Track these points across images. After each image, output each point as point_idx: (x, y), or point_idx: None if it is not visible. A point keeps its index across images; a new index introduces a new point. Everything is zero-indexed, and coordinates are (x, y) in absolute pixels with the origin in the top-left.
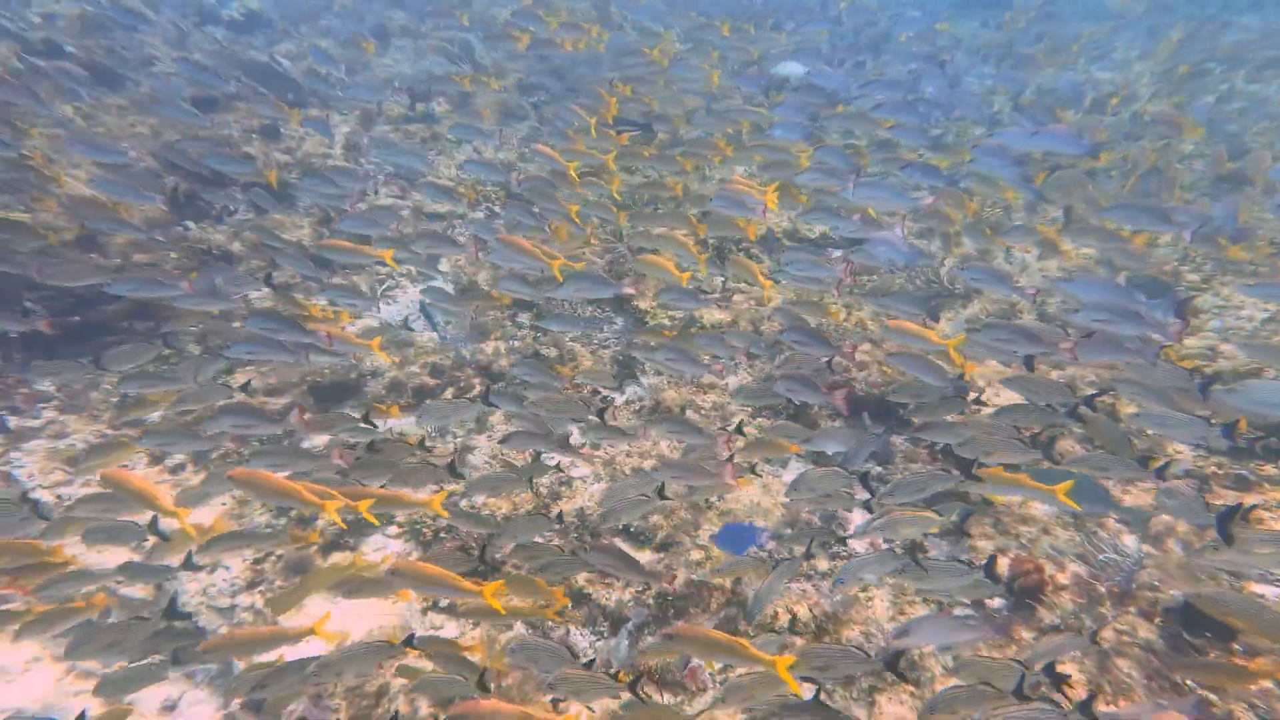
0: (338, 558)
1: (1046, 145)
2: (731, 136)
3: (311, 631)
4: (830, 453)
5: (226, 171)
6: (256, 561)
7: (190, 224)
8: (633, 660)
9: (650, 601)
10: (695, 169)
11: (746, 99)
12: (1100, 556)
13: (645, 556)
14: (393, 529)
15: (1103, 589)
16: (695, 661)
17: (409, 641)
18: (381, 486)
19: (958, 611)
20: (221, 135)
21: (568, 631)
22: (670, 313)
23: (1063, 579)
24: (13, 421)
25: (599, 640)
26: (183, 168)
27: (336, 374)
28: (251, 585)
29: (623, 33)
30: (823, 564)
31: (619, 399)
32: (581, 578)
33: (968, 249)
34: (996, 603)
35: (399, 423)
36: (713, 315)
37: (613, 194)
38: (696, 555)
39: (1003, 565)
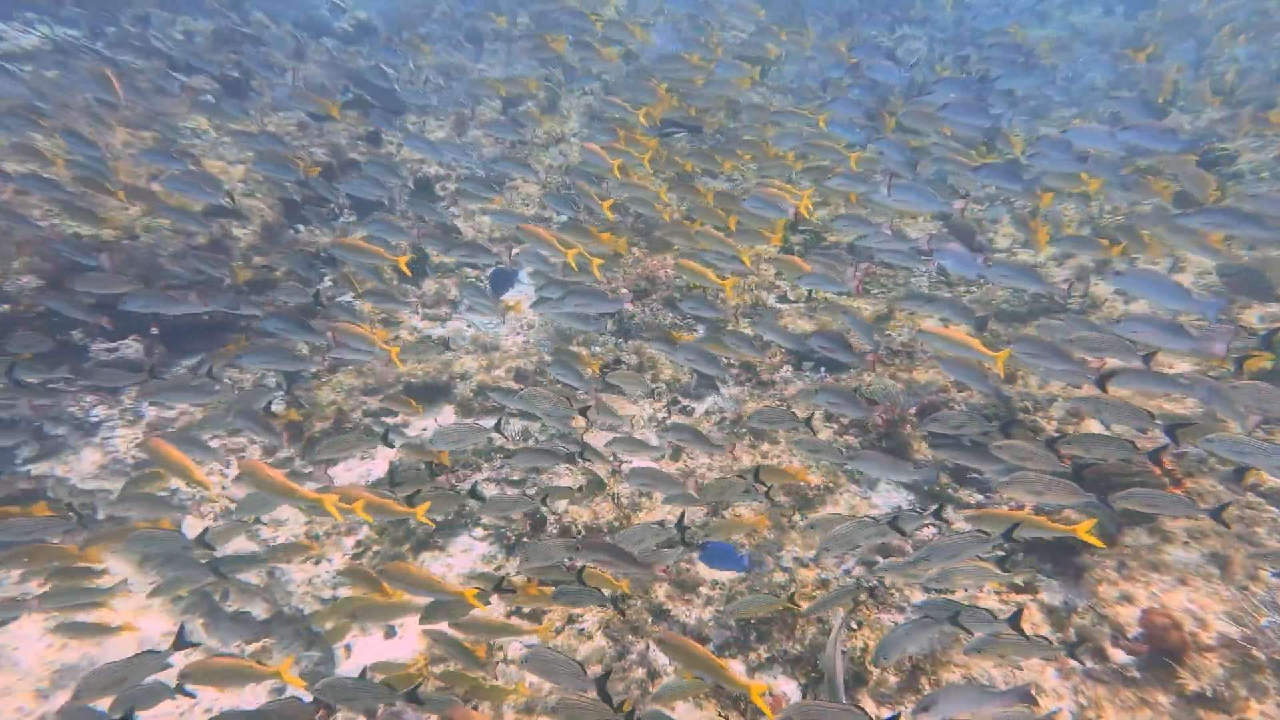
0: (426, 555)
1: (1135, 142)
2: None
3: (278, 674)
4: (874, 477)
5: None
6: (355, 555)
7: (300, 227)
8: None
9: (732, 623)
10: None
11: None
12: (1264, 621)
13: (726, 575)
14: (479, 531)
15: (1261, 655)
16: (782, 689)
17: (413, 695)
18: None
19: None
20: (332, 143)
21: (648, 647)
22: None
23: (1207, 639)
24: (151, 412)
25: None
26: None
27: (429, 375)
28: None
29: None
30: (916, 595)
31: (698, 409)
32: (661, 593)
33: (1084, 261)
34: (1122, 658)
35: (423, 419)
36: (798, 325)
37: (660, 194)
38: (780, 577)
39: (1128, 616)
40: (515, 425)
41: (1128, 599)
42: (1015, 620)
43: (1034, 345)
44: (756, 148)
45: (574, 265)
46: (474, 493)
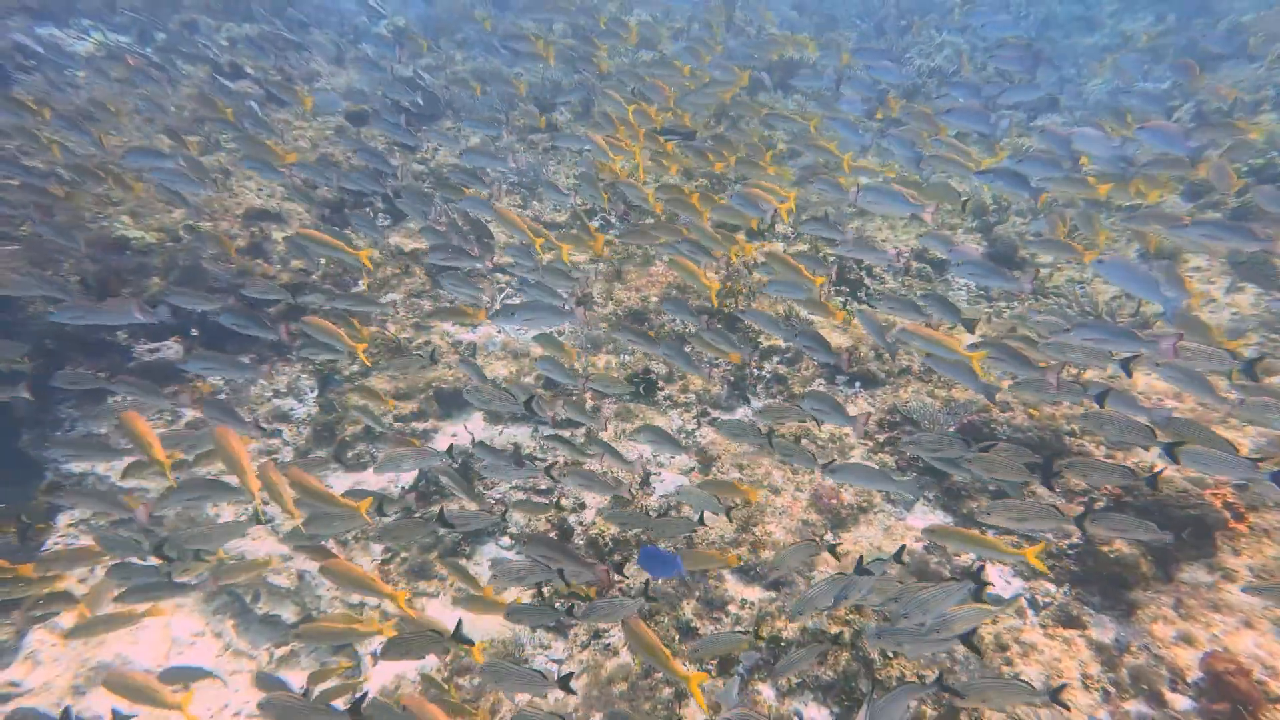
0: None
1: (1149, 142)
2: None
3: (179, 707)
4: (870, 487)
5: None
6: (384, 562)
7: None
8: (744, 705)
9: (762, 645)
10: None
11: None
12: None
13: (755, 593)
14: (505, 539)
15: None
16: (812, 717)
17: (355, 710)
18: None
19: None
20: (370, 147)
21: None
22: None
23: (1277, 689)
24: (189, 413)
25: (706, 678)
26: (368, 193)
27: (459, 381)
28: None
29: (745, 36)
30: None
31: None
32: (689, 610)
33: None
34: (1183, 704)
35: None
36: (831, 339)
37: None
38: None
39: (1188, 659)
40: (544, 432)
41: (1186, 640)
42: (969, 640)
43: (1002, 349)
44: (757, 151)
45: (540, 252)
46: (441, 518)
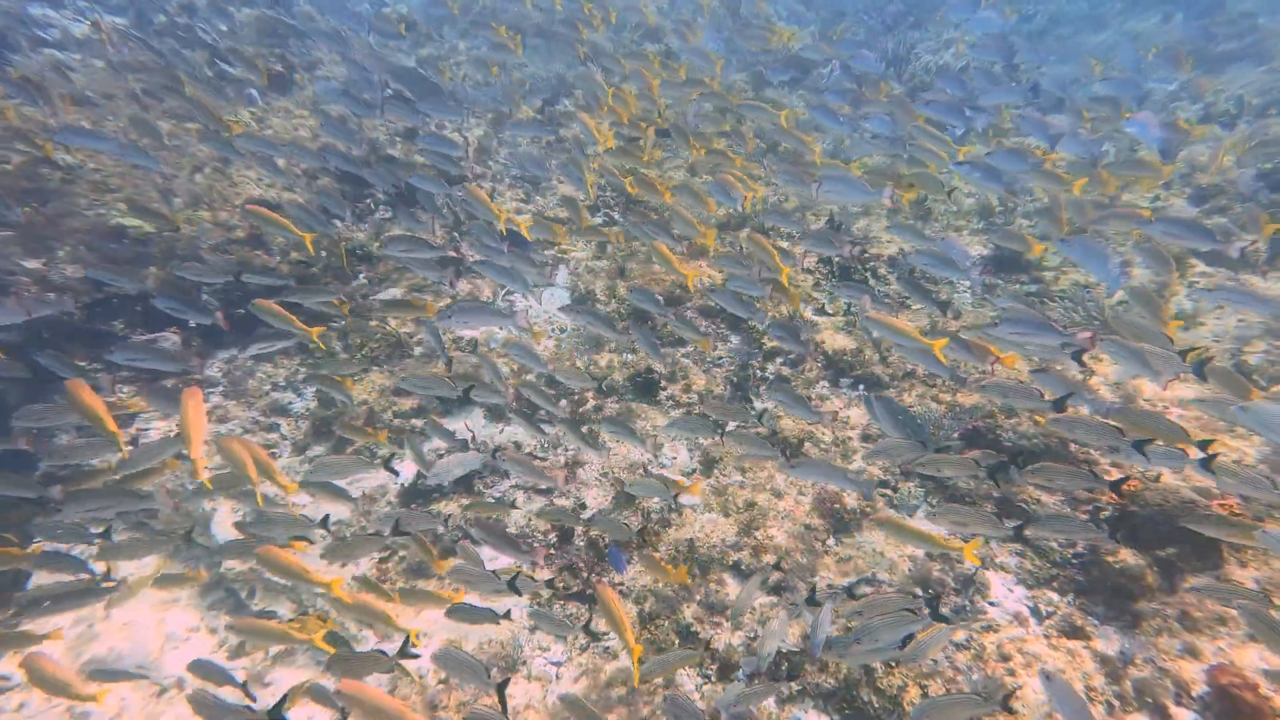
0: (454, 562)
1: (1133, 134)
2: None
3: (94, 698)
4: (828, 484)
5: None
6: (382, 560)
7: (337, 222)
8: (744, 711)
9: (763, 652)
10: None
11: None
12: None
13: (757, 600)
14: None
15: None
16: None
17: (277, 713)
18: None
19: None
20: (370, 138)
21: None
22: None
23: None
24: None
25: (706, 684)
26: (331, 169)
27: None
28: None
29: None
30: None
31: (730, 425)
32: (689, 614)
33: (1140, 278)
34: (1187, 718)
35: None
36: (836, 341)
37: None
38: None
39: (1193, 672)
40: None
41: (1191, 652)
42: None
43: (957, 340)
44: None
45: (504, 230)
46: (397, 529)
